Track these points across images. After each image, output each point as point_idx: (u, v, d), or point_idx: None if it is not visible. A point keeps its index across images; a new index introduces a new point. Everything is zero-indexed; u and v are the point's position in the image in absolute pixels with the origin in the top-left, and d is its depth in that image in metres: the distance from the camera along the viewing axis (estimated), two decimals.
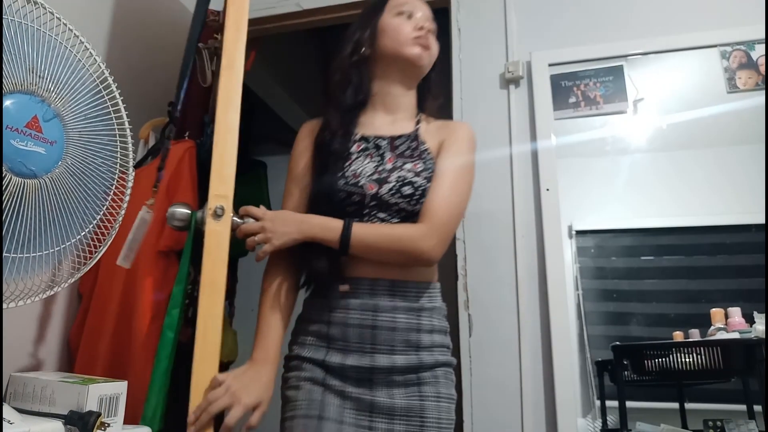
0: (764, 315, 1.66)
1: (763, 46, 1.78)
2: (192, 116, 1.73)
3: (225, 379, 1.11)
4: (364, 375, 1.16)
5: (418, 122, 1.37)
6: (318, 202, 1.25)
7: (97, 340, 1.49)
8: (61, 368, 1.48)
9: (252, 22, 1.50)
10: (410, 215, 1.22)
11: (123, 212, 1.17)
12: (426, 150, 1.29)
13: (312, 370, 1.18)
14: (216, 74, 1.55)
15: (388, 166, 1.25)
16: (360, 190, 1.22)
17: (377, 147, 1.29)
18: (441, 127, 1.37)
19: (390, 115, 1.36)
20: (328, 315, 1.20)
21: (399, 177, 1.22)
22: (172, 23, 2.07)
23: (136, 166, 1.69)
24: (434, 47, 1.37)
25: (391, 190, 1.21)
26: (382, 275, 1.20)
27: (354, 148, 1.28)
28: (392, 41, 1.33)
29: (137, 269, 1.46)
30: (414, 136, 1.32)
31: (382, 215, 1.22)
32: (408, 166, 1.25)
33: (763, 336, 1.60)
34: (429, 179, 1.24)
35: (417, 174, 1.23)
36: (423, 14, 1.37)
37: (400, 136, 1.31)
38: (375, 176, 1.23)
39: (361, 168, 1.25)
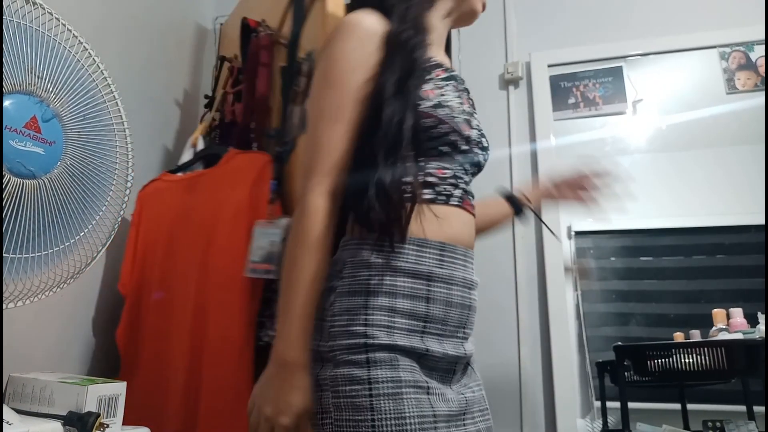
0: (765, 315, 1.66)
1: (762, 47, 1.78)
2: (258, 128, 1.70)
3: (253, 405, 0.89)
4: (451, 366, 0.95)
5: None
6: (386, 134, 0.88)
7: (166, 345, 1.50)
8: (71, 369, 1.48)
9: None
10: (475, 174, 1.05)
11: (122, 213, 1.17)
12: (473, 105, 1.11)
13: (411, 370, 0.87)
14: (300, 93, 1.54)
15: (467, 108, 1.02)
16: (457, 128, 0.95)
17: (454, 78, 1.03)
18: None
19: (440, 52, 1.12)
20: (427, 287, 0.91)
21: (478, 125, 1.03)
22: (182, 29, 2.08)
23: (182, 169, 1.71)
24: None
25: (478, 138, 1.01)
26: (471, 244, 1.01)
27: (438, 73, 1.00)
28: None
29: (213, 277, 1.47)
30: (465, 86, 1.10)
31: (467, 167, 1.01)
32: (476, 116, 1.06)
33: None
34: None
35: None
36: None
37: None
38: (463, 116, 0.98)
39: (452, 101, 0.97)
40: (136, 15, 1.87)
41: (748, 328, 1.74)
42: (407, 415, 0.83)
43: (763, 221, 1.71)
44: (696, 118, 2.08)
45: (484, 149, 1.03)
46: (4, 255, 0.94)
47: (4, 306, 0.97)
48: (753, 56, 1.80)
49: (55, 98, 1.03)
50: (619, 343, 1.83)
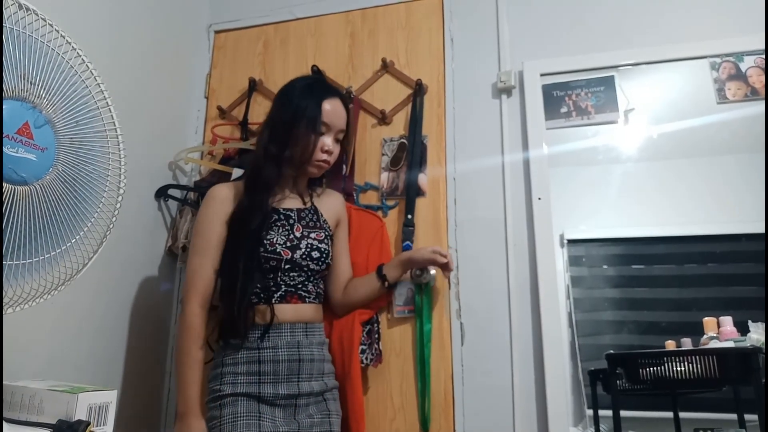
0: (760, 324, 1.67)
1: (752, 57, 1.80)
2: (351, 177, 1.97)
3: None
4: (292, 401, 1.43)
5: (311, 197, 1.64)
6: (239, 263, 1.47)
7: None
8: (61, 377, 1.46)
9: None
10: (316, 274, 1.55)
11: (114, 219, 1.16)
12: (326, 221, 1.62)
13: (248, 406, 1.38)
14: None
15: (298, 234, 1.54)
16: (277, 256, 1.48)
17: (287, 218, 1.55)
18: (329, 199, 1.69)
19: (289, 195, 1.60)
20: (257, 355, 1.43)
21: (308, 245, 1.53)
22: (176, 36, 2.08)
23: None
24: (335, 157, 1.58)
25: (301, 256, 1.51)
26: (301, 320, 1.50)
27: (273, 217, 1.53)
28: (301, 153, 1.52)
29: None
30: (314, 209, 1.62)
31: (293, 275, 1.50)
32: (313, 234, 1.56)
33: (758, 344, 1.61)
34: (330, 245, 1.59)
35: (320, 241, 1.56)
36: (336, 130, 1.56)
37: (303, 209, 1.60)
38: (287, 244, 1.51)
39: (275, 237, 1.49)
40: (130, 22, 1.87)
41: (738, 336, 1.75)
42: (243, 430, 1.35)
43: (755, 230, 1.72)
44: (687, 128, 2.10)
45: (312, 259, 1.53)
46: None
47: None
48: (743, 67, 1.82)
49: (47, 104, 1.03)
50: (612, 352, 1.83)
